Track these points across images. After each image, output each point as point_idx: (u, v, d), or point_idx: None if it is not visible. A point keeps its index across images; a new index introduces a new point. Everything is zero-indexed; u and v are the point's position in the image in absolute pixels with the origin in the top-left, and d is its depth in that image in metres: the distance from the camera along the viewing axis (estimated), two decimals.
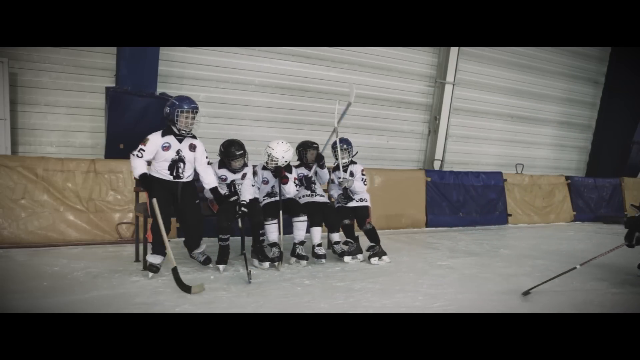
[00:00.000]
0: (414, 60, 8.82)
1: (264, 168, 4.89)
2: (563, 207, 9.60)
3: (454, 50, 8.84)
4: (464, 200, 8.42)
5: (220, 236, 4.33)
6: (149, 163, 4.10)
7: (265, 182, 4.89)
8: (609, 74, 11.25)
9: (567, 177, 9.86)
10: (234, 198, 4.32)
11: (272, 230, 4.69)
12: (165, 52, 6.56)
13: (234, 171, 4.52)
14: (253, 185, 4.66)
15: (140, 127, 5.95)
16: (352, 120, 8.30)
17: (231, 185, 4.50)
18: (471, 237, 4.98)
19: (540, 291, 3.75)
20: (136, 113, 5.91)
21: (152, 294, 3.48)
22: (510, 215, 8.84)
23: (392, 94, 8.70)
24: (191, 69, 6.96)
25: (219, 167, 4.52)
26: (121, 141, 5.99)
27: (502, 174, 8.97)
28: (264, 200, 4.86)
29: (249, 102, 7.47)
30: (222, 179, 4.52)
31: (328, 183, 5.35)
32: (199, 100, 6.99)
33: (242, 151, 4.45)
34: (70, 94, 6.34)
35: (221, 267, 4.29)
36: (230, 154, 4.43)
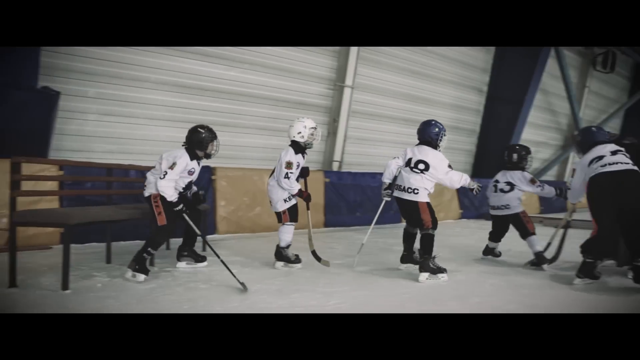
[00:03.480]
0: (315, 62, 8.97)
1: (297, 152, 4.54)
2: (451, 205, 10.30)
3: (352, 54, 9.10)
4: (361, 200, 8.73)
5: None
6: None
7: (298, 166, 4.54)
8: (491, 84, 12.30)
9: None
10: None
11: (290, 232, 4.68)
12: None
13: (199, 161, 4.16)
14: None
15: (20, 125, 5.47)
16: (251, 121, 8.26)
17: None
18: (368, 237, 5.19)
19: (538, 291, 3.99)
20: (14, 108, 5.41)
21: (152, 294, 3.45)
22: None
23: (292, 95, 8.78)
24: (79, 62, 6.47)
25: (191, 159, 4.04)
26: None
27: None
28: (288, 200, 4.63)
29: (144, 100, 7.14)
30: (190, 173, 4.10)
31: None
32: (87, 97, 6.65)
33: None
34: None
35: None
36: (208, 138, 4.11)
